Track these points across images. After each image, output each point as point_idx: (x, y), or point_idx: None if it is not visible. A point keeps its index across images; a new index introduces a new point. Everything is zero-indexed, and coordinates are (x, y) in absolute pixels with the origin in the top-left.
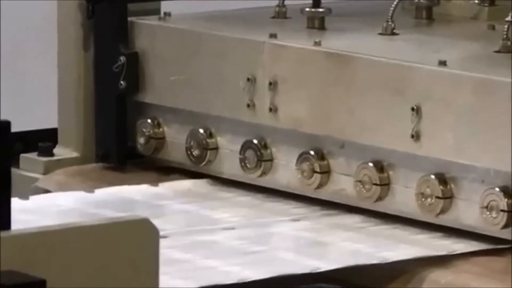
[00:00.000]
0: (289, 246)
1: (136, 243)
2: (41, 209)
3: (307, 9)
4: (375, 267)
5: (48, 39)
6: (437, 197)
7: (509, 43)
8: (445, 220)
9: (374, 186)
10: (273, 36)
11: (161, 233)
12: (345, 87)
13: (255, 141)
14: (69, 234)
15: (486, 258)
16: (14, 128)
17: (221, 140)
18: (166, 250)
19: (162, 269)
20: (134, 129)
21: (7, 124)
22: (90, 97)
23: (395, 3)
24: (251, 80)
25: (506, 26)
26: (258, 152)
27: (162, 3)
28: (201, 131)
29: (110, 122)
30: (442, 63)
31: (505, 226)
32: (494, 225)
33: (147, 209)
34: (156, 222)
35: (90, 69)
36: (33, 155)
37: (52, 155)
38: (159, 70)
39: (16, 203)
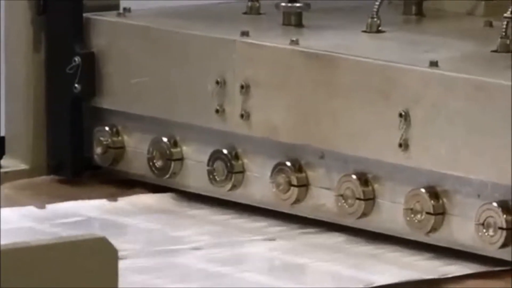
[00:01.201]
0: (262, 268)
1: (93, 264)
2: None
3: (283, 4)
4: None
5: None
6: (428, 213)
7: (508, 41)
8: (437, 238)
9: (357, 201)
10: (245, 34)
11: (120, 254)
12: (325, 91)
13: (225, 151)
14: (16, 255)
15: (482, 281)
16: None
17: (187, 150)
18: (125, 272)
19: None
20: (90, 137)
21: None
22: (41, 102)
23: None
24: (221, 83)
25: (504, 23)
26: (228, 163)
27: None
28: (165, 139)
29: (64, 129)
30: (434, 64)
31: (504, 245)
32: (491, 244)
33: (105, 227)
34: (114, 241)
35: (41, 71)
36: None
37: None
38: (118, 72)
39: None
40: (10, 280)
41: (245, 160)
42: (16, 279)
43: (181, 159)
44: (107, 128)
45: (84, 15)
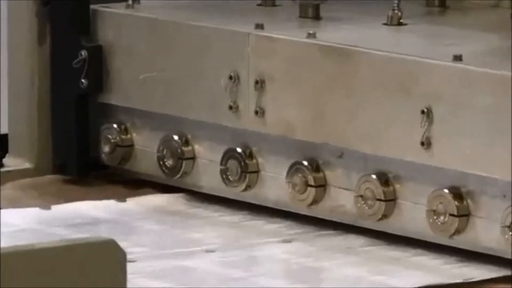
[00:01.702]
0: (278, 272)
1: (100, 268)
2: None
3: None
4: None
5: None
6: (452, 215)
7: None
8: (461, 241)
9: (378, 202)
10: (259, 26)
11: (128, 257)
12: (344, 87)
13: (239, 150)
14: (19, 259)
15: (509, 286)
16: None
17: (198, 149)
18: (134, 276)
19: None
20: (97, 135)
21: None
22: (46, 98)
23: None
24: (234, 78)
25: None
26: (242, 163)
27: None
28: (176, 137)
29: (70, 127)
30: (457, 58)
31: None
32: None
33: (113, 229)
34: (123, 244)
35: (46, 65)
36: None
37: (1, 165)
38: (127, 67)
39: None
40: (11, 284)
41: (260, 159)
42: (18, 284)
43: (192, 158)
44: (115, 126)
45: (91, 6)
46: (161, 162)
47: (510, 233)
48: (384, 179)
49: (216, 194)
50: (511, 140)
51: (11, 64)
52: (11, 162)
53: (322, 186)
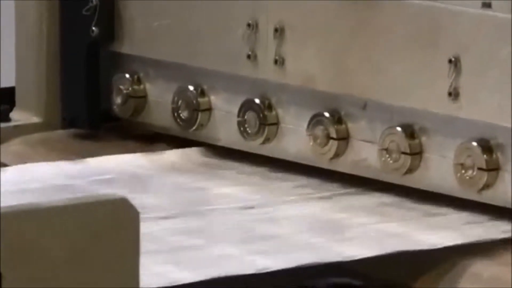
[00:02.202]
0: (303, 229)
1: (111, 228)
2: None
3: None
4: (402, 257)
5: None
6: (480, 169)
7: None
8: (490, 197)
9: (403, 156)
10: None
11: (142, 216)
12: (368, 35)
13: (257, 101)
14: (25, 217)
15: None
16: None
17: (215, 100)
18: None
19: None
20: (109, 86)
21: None
22: (54, 47)
23: None
24: (252, 26)
25: None
26: (260, 114)
27: None
28: (191, 88)
29: (79, 78)
30: (486, 5)
31: None
32: None
33: (125, 186)
34: (136, 202)
35: (54, 12)
36: None
37: (8, 120)
38: (140, 14)
39: None
40: (15, 245)
41: (279, 111)
42: (22, 245)
43: (208, 110)
44: (127, 76)
45: None
46: (176, 114)
47: None
48: (410, 132)
49: (233, 147)
50: None
51: (18, 12)
52: (19, 116)
53: (344, 139)
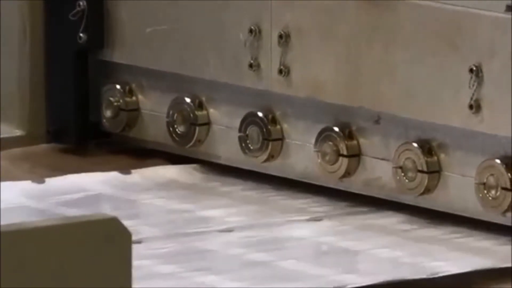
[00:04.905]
0: (306, 255)
1: (101, 250)
2: None
3: None
4: (419, 283)
5: None
6: (504, 189)
7: None
8: None
9: (419, 174)
10: None
11: (134, 238)
12: (382, 41)
13: (260, 114)
14: (11, 238)
15: None
16: None
17: (214, 113)
18: (141, 259)
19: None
20: (98, 98)
21: None
22: (40, 54)
23: None
24: (255, 32)
25: None
26: (264, 129)
27: None
28: (188, 100)
29: (66, 88)
30: (510, 8)
31: None
32: None
33: (116, 205)
34: (127, 223)
35: (39, 18)
36: None
37: None
38: (132, 19)
39: None
40: (10, 264)
41: (285, 125)
42: (9, 265)
43: (207, 124)
44: (118, 87)
45: None
46: (171, 129)
47: None
48: (427, 148)
49: (234, 165)
50: None
51: (1, 17)
52: (1, 129)
53: (355, 155)
